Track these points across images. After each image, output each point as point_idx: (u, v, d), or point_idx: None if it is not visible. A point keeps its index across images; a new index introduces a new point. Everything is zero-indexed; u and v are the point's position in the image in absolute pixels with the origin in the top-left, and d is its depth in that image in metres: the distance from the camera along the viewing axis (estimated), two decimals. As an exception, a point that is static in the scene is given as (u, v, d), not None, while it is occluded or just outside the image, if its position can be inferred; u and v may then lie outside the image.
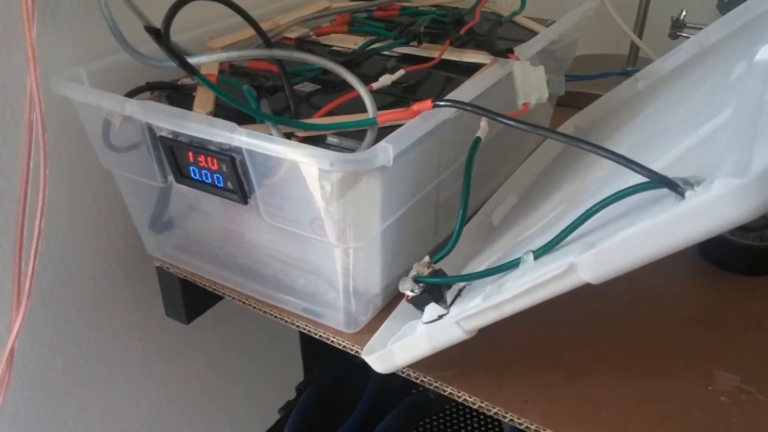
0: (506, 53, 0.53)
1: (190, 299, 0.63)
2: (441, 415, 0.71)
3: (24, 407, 0.61)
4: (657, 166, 0.41)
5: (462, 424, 0.71)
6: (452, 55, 0.59)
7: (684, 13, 0.81)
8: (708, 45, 0.66)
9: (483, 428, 0.71)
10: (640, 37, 0.88)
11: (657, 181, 0.34)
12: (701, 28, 0.77)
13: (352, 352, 0.50)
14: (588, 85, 0.86)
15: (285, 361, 0.95)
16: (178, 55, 0.42)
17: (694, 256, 0.58)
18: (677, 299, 0.55)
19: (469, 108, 0.42)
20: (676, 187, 0.33)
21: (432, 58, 0.58)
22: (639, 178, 0.36)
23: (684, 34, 0.81)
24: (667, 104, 0.56)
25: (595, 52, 0.98)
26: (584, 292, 0.37)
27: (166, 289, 0.63)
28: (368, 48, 0.60)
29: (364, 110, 0.48)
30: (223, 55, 0.47)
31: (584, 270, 0.34)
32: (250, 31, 0.54)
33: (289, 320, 0.54)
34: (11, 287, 0.55)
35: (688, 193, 0.33)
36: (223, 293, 0.58)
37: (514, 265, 0.41)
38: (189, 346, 0.79)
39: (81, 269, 0.63)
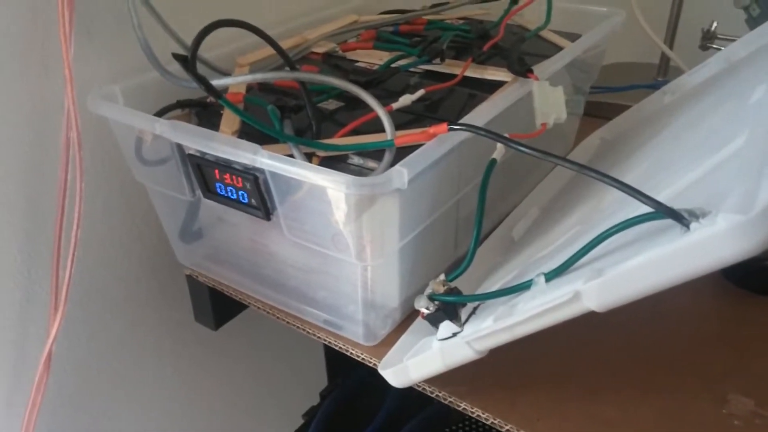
0: (525, 72, 0.54)
1: (219, 306, 0.65)
2: (460, 425, 0.72)
3: (61, 407, 0.64)
4: (668, 193, 0.42)
5: (482, 434, 0.72)
6: (474, 72, 0.60)
7: (715, 24, 0.80)
8: (735, 60, 0.65)
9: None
10: (671, 47, 0.88)
11: (662, 212, 0.35)
12: (732, 40, 0.76)
13: (370, 365, 0.52)
14: (617, 96, 0.86)
15: (309, 367, 0.97)
16: (203, 80, 0.44)
17: (714, 274, 0.58)
18: (696, 317, 0.55)
19: (482, 133, 0.43)
20: (681, 218, 0.34)
21: (455, 75, 0.58)
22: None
23: (715, 46, 0.80)
24: (688, 124, 0.56)
25: (625, 60, 0.98)
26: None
27: (195, 297, 0.66)
28: (391, 65, 0.61)
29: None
30: (247, 78, 0.49)
31: (589, 299, 0.35)
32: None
33: (311, 331, 0.55)
34: (50, 293, 0.58)
35: (693, 225, 0.33)
36: (249, 303, 0.60)
37: (526, 286, 0.42)
38: (217, 350, 0.82)
39: (116, 276, 0.66)
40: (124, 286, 0.67)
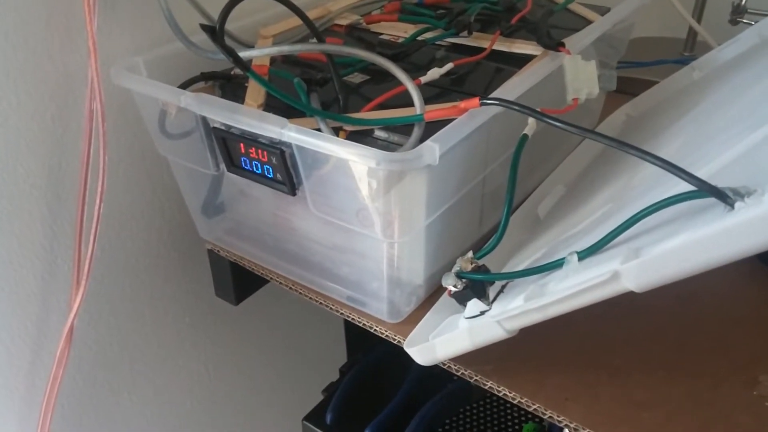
0: (557, 46, 0.52)
1: (240, 281, 0.65)
2: (481, 403, 0.72)
3: (82, 380, 0.65)
4: (707, 171, 0.41)
5: (502, 414, 0.72)
6: (502, 45, 0.58)
7: (745, -2, 0.78)
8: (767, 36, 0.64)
9: (523, 419, 0.72)
10: (699, 21, 0.85)
11: (706, 190, 0.34)
12: (763, 14, 0.74)
13: (394, 342, 0.51)
14: (643, 71, 0.84)
15: (329, 343, 0.97)
16: (232, 52, 0.43)
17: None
18: (726, 299, 0.54)
19: (516, 108, 0.42)
20: (725, 197, 0.33)
21: (482, 49, 0.57)
22: (687, 184, 0.36)
23: (745, 21, 0.78)
24: (722, 101, 0.54)
25: (652, 35, 0.96)
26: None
27: (216, 271, 0.65)
28: (418, 39, 0.60)
29: (412, 103, 0.48)
30: (274, 50, 0.48)
31: (628, 279, 0.34)
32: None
33: (333, 308, 0.55)
34: (72, 267, 0.58)
35: (737, 204, 0.32)
36: (271, 278, 0.59)
37: (558, 265, 0.41)
38: (237, 325, 0.82)
39: (137, 249, 0.65)
40: (144, 260, 0.67)
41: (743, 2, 0.78)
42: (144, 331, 0.70)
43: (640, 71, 0.84)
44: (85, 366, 0.64)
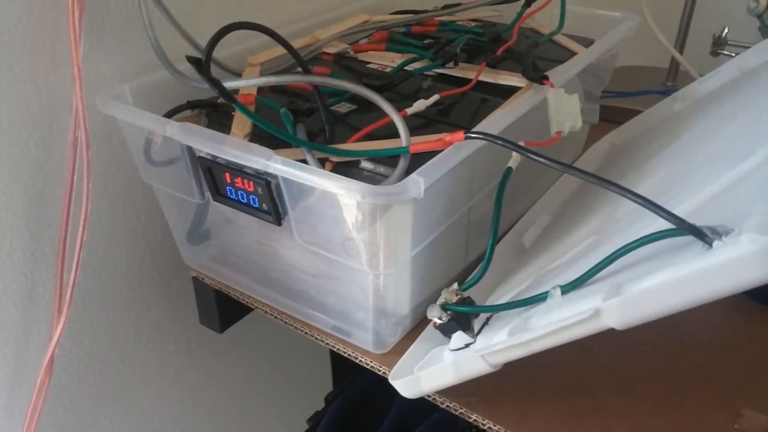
0: (541, 79, 0.53)
1: (224, 309, 0.65)
2: (466, 432, 0.72)
3: (63, 409, 0.64)
4: (687, 206, 0.41)
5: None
6: (488, 76, 0.59)
7: (726, 30, 0.79)
8: (748, 69, 0.65)
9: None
10: (681, 52, 0.87)
11: (684, 229, 0.34)
12: (743, 47, 0.75)
13: (380, 373, 0.51)
14: (626, 100, 0.85)
15: (315, 372, 0.96)
16: (218, 84, 0.43)
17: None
18: (710, 329, 0.54)
19: (500, 142, 0.42)
20: (703, 236, 0.33)
21: (467, 80, 0.58)
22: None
23: (725, 52, 0.80)
24: (702, 134, 0.55)
25: (635, 63, 0.97)
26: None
27: (201, 299, 0.65)
28: (405, 68, 0.60)
29: (398, 134, 0.48)
30: (260, 80, 0.48)
31: (609, 317, 0.34)
32: (290, 47, 0.55)
33: (318, 337, 0.55)
34: (53, 295, 0.57)
35: (715, 243, 0.33)
36: (256, 306, 0.59)
37: (541, 298, 0.42)
38: (221, 353, 0.81)
39: (120, 276, 0.65)
40: (127, 287, 0.66)
41: (724, 34, 0.79)
42: (126, 358, 0.69)
43: (623, 100, 0.85)
44: (66, 395, 0.64)
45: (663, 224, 0.38)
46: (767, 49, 0.63)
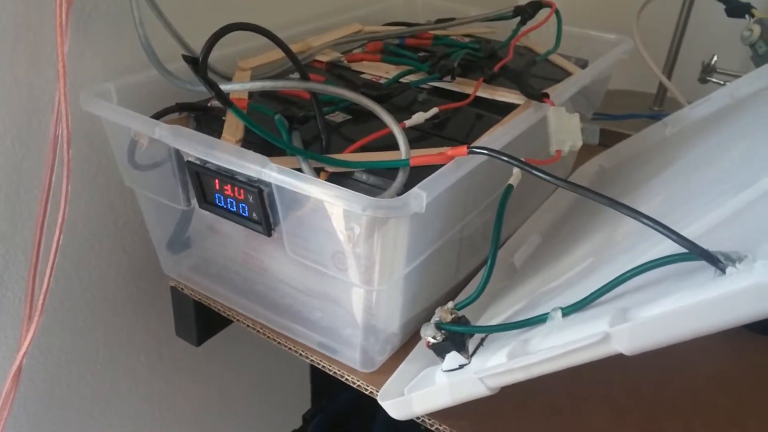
0: (542, 97, 0.52)
1: (202, 321, 0.62)
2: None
3: (27, 421, 0.60)
4: (692, 231, 0.40)
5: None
6: (485, 92, 0.58)
7: (715, 58, 0.80)
8: (739, 97, 0.65)
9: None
10: (669, 77, 0.87)
11: (697, 254, 0.33)
12: (732, 75, 0.76)
13: (367, 393, 0.49)
14: (614, 123, 0.85)
15: (292, 388, 0.93)
16: (215, 86, 0.41)
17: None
18: (703, 356, 0.53)
19: (504, 158, 0.41)
20: (717, 262, 0.32)
21: (465, 94, 0.57)
22: (673, 243, 0.35)
23: (714, 80, 0.80)
24: (701, 159, 0.55)
25: (621, 87, 0.98)
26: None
27: (178, 310, 0.63)
28: (401, 80, 0.59)
29: (394, 145, 0.47)
30: (257, 85, 0.47)
31: (620, 342, 0.33)
32: (280, 52, 0.54)
33: (303, 353, 0.53)
34: (23, 301, 0.55)
35: (728, 270, 0.32)
36: (238, 319, 0.57)
37: (541, 320, 0.40)
38: (196, 367, 0.78)
39: (93, 283, 0.62)
40: (102, 295, 0.63)
41: (713, 62, 0.80)
42: (96, 369, 0.66)
43: (611, 123, 0.85)
44: (31, 406, 0.60)
45: (666, 248, 0.37)
46: (760, 78, 0.64)
